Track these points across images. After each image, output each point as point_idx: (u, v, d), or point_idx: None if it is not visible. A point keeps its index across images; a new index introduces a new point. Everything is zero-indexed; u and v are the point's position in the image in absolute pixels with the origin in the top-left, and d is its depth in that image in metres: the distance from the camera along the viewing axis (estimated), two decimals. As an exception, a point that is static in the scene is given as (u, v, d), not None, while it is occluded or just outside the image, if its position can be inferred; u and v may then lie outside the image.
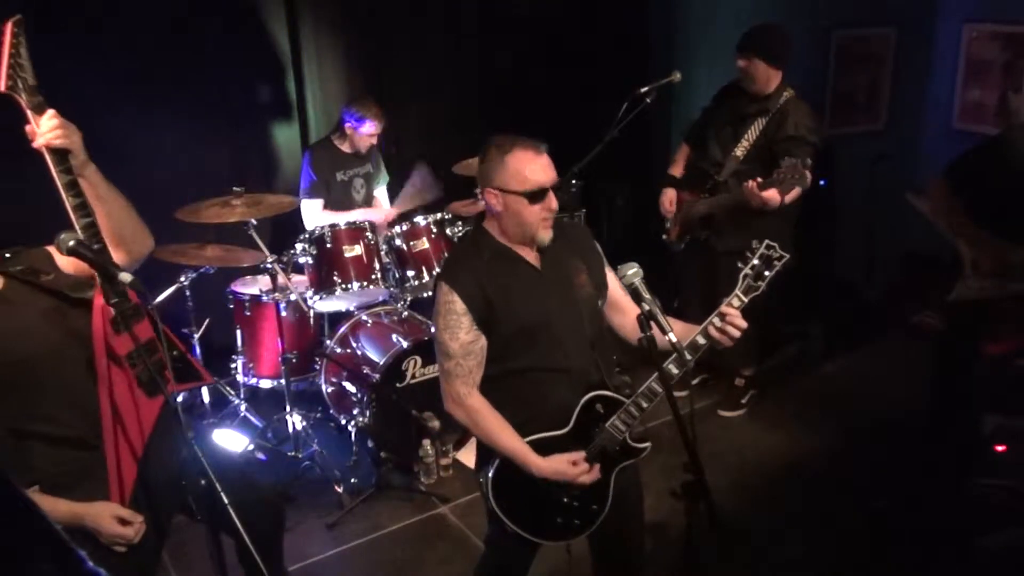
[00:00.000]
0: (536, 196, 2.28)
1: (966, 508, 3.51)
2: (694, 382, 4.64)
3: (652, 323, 2.14)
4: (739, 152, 4.00)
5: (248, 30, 4.92)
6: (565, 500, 2.40)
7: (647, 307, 2.13)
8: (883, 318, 5.37)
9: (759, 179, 3.65)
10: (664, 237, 4.37)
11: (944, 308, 3.71)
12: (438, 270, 4.30)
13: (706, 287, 4.15)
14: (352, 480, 3.99)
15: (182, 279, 4.17)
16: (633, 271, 2.16)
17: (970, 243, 3.41)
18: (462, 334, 2.30)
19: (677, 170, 4.39)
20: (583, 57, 5.76)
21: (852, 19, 5.44)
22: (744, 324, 2.25)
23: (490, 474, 2.38)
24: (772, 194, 3.66)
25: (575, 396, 2.37)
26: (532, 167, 2.28)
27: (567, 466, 2.33)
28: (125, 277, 2.07)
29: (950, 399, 3.81)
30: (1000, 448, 3.59)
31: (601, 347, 2.43)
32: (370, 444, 4.01)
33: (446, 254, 4.22)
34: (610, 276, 2.51)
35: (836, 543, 3.49)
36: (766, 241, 2.30)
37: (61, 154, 2.15)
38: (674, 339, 2.12)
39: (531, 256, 2.39)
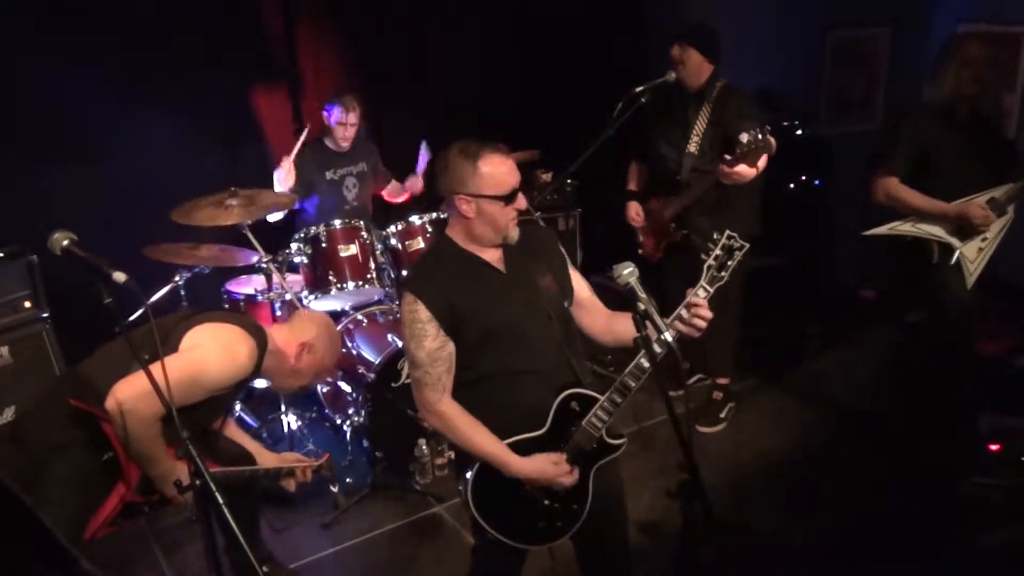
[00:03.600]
0: (511, 198, 2.33)
1: (963, 506, 3.51)
2: (690, 382, 4.64)
3: (648, 323, 2.14)
4: (692, 148, 4.02)
5: (244, 28, 4.91)
6: (546, 503, 2.40)
7: (643, 306, 2.13)
8: (880, 317, 5.37)
9: (727, 156, 3.67)
10: (640, 252, 4.38)
11: (931, 296, 3.73)
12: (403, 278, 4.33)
13: (685, 285, 4.17)
14: (347, 480, 3.98)
15: (177, 279, 4.15)
16: (628, 270, 2.16)
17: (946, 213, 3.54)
18: (427, 342, 2.32)
19: (634, 185, 4.41)
20: (579, 56, 5.76)
21: (848, 18, 5.45)
22: (710, 314, 2.31)
23: (469, 481, 2.37)
24: (745, 168, 3.69)
25: (549, 397, 2.38)
26: (504, 171, 2.32)
27: (548, 465, 2.34)
28: (119, 277, 2.06)
29: (946, 399, 3.83)
30: (995, 447, 3.60)
31: (572, 347, 2.45)
32: (365, 444, 4.00)
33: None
34: (576, 277, 2.56)
35: (833, 541, 3.49)
36: (727, 232, 2.34)
37: None
38: (669, 338, 2.12)
39: (495, 259, 2.42)
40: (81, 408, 2.44)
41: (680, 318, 2.30)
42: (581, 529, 2.47)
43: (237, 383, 2.63)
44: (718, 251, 2.32)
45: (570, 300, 2.52)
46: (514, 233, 2.38)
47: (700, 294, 2.32)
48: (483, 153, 2.31)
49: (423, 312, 2.30)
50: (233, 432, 3.06)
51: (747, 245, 2.32)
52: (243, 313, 2.67)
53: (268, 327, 2.79)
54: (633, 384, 2.30)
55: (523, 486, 2.35)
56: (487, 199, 2.31)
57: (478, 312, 2.33)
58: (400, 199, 4.95)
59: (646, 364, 2.26)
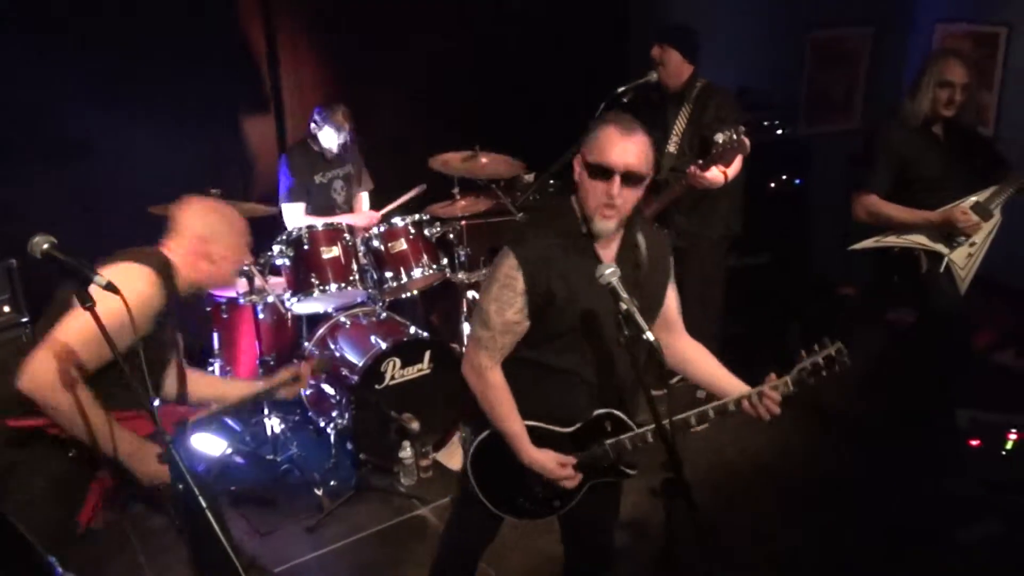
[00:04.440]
0: (597, 172, 2.16)
1: (943, 502, 3.55)
2: (673, 381, 4.65)
3: (629, 322, 2.14)
4: (672, 148, 4.04)
5: (223, 28, 4.88)
6: (535, 488, 2.42)
7: (625, 306, 2.13)
8: (859, 316, 5.41)
9: (699, 161, 3.69)
10: None
11: (923, 304, 3.76)
12: (445, 260, 4.32)
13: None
14: (331, 483, 3.97)
15: (158, 282, 4.12)
16: (610, 271, 2.15)
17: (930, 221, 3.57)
18: (510, 313, 2.24)
19: None
20: (561, 57, 5.76)
21: (828, 19, 5.48)
22: (778, 411, 2.26)
23: (476, 440, 2.40)
24: (715, 175, 3.72)
25: (588, 409, 2.36)
26: (611, 142, 2.15)
27: (555, 465, 2.33)
28: (100, 281, 2.05)
29: (927, 395, 3.86)
30: (975, 443, 3.63)
31: (639, 372, 2.34)
32: (349, 446, 4.00)
33: (425, 255, 4.22)
34: (671, 295, 2.46)
35: (816, 539, 3.51)
36: (839, 345, 2.24)
37: None
38: (651, 338, 2.11)
39: (607, 256, 2.28)
40: (19, 426, 2.35)
41: (750, 399, 2.26)
42: (575, 512, 2.49)
43: (158, 313, 2.46)
44: (820, 359, 2.24)
45: (655, 316, 2.41)
46: (601, 225, 2.20)
47: (780, 389, 2.25)
48: (610, 122, 2.18)
49: (520, 284, 2.21)
50: (196, 376, 2.90)
51: (849, 364, 2.22)
52: (135, 248, 2.51)
53: (160, 246, 2.61)
54: (670, 434, 2.21)
55: (522, 465, 2.35)
56: (587, 164, 2.19)
57: (568, 311, 2.25)
58: (360, 221, 4.72)
59: (694, 423, 2.26)
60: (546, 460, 2.32)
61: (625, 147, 2.15)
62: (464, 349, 2.38)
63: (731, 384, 2.37)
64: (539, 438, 2.34)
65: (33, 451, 2.37)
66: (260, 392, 2.94)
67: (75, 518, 2.41)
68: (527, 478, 2.39)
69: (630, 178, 2.16)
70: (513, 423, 2.31)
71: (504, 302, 2.23)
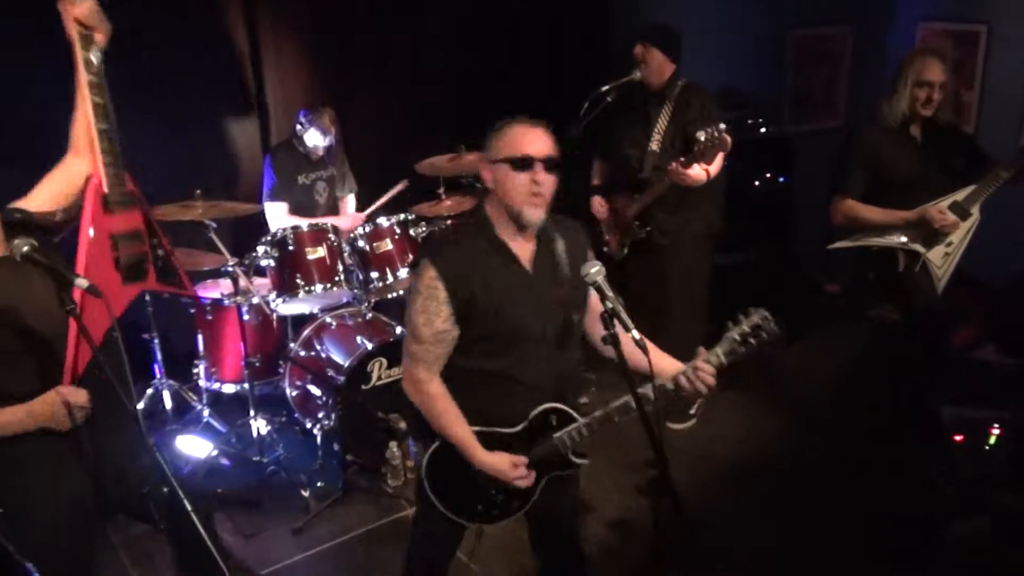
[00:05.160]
0: (521, 163, 2.22)
1: (927, 498, 3.57)
2: (659, 382, 4.66)
3: (615, 320, 2.15)
4: (655, 146, 4.05)
5: (206, 28, 4.86)
6: (492, 492, 2.44)
7: (610, 304, 2.14)
8: (843, 313, 5.44)
9: (681, 159, 3.71)
10: (605, 249, 4.40)
11: (902, 302, 3.78)
12: (420, 256, 4.25)
13: (652, 283, 4.23)
14: (318, 484, 3.96)
15: (141, 283, 4.10)
16: (595, 269, 2.17)
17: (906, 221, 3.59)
18: (438, 322, 2.27)
19: (598, 180, 4.44)
20: (545, 57, 5.77)
21: (810, 18, 5.51)
22: (713, 383, 2.27)
23: (427, 452, 2.41)
24: (697, 172, 3.74)
25: (531, 405, 2.38)
26: (524, 135, 2.25)
27: (508, 466, 2.35)
28: (82, 283, 2.04)
29: (911, 392, 3.88)
30: (958, 438, 3.66)
31: (572, 364, 2.44)
32: (336, 447, 3.99)
33: (410, 255, 4.21)
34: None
35: (803, 535, 3.53)
36: (764, 312, 2.28)
37: (86, 40, 2.19)
38: (636, 336, 2.13)
39: (525, 255, 2.34)
40: None
41: (686, 375, 2.28)
42: (535, 512, 2.52)
43: None
44: (746, 327, 2.28)
45: (581, 313, 2.45)
46: (531, 214, 2.26)
47: (712, 360, 2.27)
48: (514, 122, 2.28)
49: (443, 293, 2.24)
50: None
51: (779, 333, 2.26)
52: None
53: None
54: (617, 419, 2.31)
55: (476, 471, 2.37)
56: (500, 163, 2.24)
57: (494, 312, 2.28)
58: (345, 224, 4.68)
59: (633, 407, 2.24)
60: (498, 462, 2.35)
61: (537, 136, 2.26)
62: (400, 367, 2.39)
63: (668, 364, 2.38)
64: (488, 442, 2.36)
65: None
66: None
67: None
68: (482, 483, 2.40)
69: (550, 163, 2.26)
70: (460, 429, 2.34)
71: (431, 313, 2.27)
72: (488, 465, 2.34)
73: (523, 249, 2.35)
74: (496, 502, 2.45)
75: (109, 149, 2.32)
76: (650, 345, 2.28)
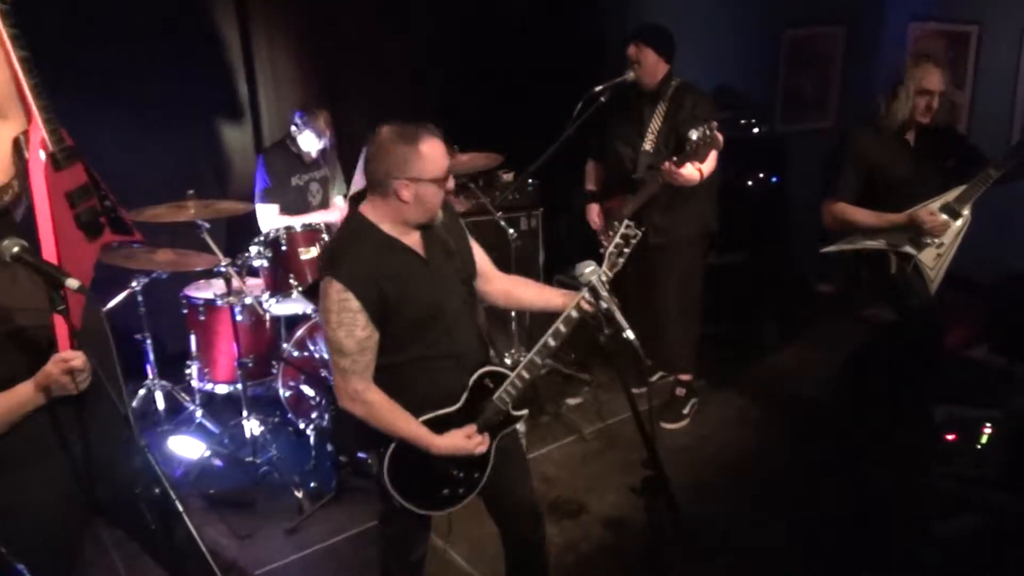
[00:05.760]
0: (439, 182, 2.35)
1: (920, 496, 3.58)
2: (652, 379, 4.67)
3: (611, 320, 2.16)
4: (648, 146, 4.05)
5: (198, 30, 4.85)
6: (453, 472, 2.50)
7: (605, 305, 2.15)
8: (837, 313, 5.46)
9: (674, 158, 3.72)
10: (601, 250, 4.40)
11: (895, 302, 3.79)
12: (319, 276, 4.26)
13: (644, 282, 4.23)
14: (311, 484, 3.94)
15: (134, 284, 4.09)
16: (590, 269, 2.19)
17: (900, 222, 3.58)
18: (358, 331, 2.32)
19: (592, 185, 4.44)
20: (538, 57, 5.77)
21: (802, 18, 5.52)
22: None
23: (385, 458, 2.45)
24: (691, 172, 3.75)
25: (465, 376, 2.47)
26: (440, 152, 2.35)
27: (464, 440, 2.44)
28: (72, 283, 2.01)
29: (907, 394, 3.89)
30: (950, 437, 3.67)
31: (480, 322, 2.59)
32: (329, 448, 3.98)
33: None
34: (476, 250, 2.62)
35: (798, 533, 3.54)
36: (626, 221, 2.47)
37: None
38: (631, 336, 2.14)
39: (415, 244, 2.44)
40: None
41: (584, 299, 2.39)
42: (489, 483, 2.59)
43: None
44: (618, 239, 2.45)
45: (475, 276, 2.59)
46: (438, 216, 2.42)
47: (603, 277, 2.40)
48: (421, 136, 2.33)
49: (353, 302, 2.29)
50: None
51: (641, 233, 2.47)
52: None
53: None
54: (539, 361, 2.43)
55: (434, 458, 2.43)
56: (427, 183, 2.32)
57: (405, 301, 2.35)
58: (336, 218, 4.66)
59: (552, 343, 2.38)
60: (454, 441, 2.43)
61: (443, 148, 2.38)
62: (333, 386, 2.45)
63: (558, 296, 2.54)
64: (437, 426, 2.43)
65: None
66: None
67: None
68: (442, 467, 2.47)
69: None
70: (411, 425, 2.40)
71: (348, 325, 2.31)
72: (446, 447, 2.41)
73: (411, 239, 2.43)
74: (459, 479, 2.52)
75: (45, 105, 2.25)
76: (524, 280, 2.61)
